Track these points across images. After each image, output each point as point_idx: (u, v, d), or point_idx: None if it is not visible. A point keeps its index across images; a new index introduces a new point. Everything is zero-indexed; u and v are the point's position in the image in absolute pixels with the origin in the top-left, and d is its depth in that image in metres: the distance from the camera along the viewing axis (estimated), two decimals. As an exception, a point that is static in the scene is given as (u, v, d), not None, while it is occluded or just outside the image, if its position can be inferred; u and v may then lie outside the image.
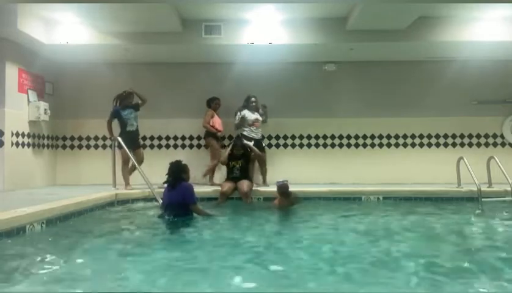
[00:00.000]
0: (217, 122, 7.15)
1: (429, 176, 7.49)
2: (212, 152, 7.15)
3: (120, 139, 6.13)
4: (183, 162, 4.79)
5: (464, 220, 4.76)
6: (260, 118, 7.07)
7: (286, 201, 5.31)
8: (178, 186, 4.58)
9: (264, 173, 7.01)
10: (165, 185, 4.71)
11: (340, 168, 7.80)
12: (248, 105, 7.01)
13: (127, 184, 6.23)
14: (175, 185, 4.59)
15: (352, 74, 7.95)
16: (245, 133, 6.89)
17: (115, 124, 6.45)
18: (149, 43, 6.85)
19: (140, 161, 6.32)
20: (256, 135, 6.95)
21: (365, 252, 3.17)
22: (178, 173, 4.65)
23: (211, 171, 7.08)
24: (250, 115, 6.95)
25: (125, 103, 6.41)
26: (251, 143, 6.67)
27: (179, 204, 4.52)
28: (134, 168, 6.23)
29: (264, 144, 7.23)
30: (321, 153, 7.95)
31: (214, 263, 2.88)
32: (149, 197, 5.77)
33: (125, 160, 6.22)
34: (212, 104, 7.25)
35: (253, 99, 7.03)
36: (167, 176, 4.67)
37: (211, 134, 7.11)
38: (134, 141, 6.38)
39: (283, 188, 5.33)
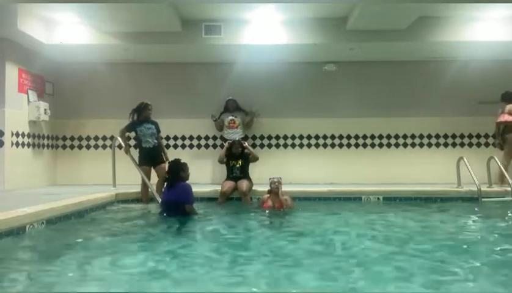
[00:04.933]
0: None
1: (429, 176, 7.49)
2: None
3: (120, 140, 6.11)
4: (182, 161, 4.86)
5: (464, 220, 4.76)
6: (237, 119, 7.17)
7: (277, 200, 5.05)
8: (176, 185, 4.65)
9: None
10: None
11: (340, 168, 7.80)
12: (227, 108, 7.25)
13: (145, 200, 5.79)
14: (173, 184, 4.66)
15: (352, 74, 7.95)
16: (224, 135, 7.17)
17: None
18: (149, 43, 6.85)
19: (161, 176, 5.77)
20: (233, 137, 6.96)
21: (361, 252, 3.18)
22: (176, 172, 4.70)
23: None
24: (226, 117, 7.20)
25: (143, 116, 5.92)
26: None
27: (175, 203, 4.60)
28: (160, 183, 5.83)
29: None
30: (321, 153, 7.95)
31: (212, 264, 2.89)
32: (149, 197, 5.77)
33: (146, 177, 5.79)
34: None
35: (230, 101, 7.25)
36: (167, 175, 4.78)
37: None
38: (153, 158, 5.89)
39: (273, 185, 5.12)
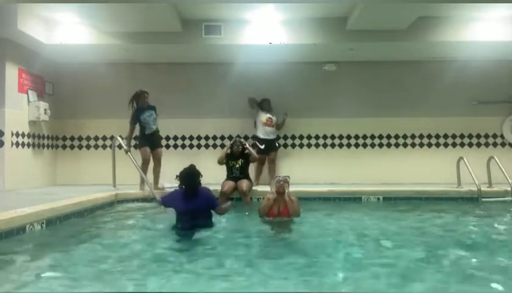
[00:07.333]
0: None
1: (429, 176, 7.48)
2: None
3: (120, 139, 6.13)
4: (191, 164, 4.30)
5: (464, 220, 4.76)
6: (273, 118, 7.32)
7: (282, 201, 4.48)
8: (198, 193, 4.15)
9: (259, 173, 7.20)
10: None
11: (340, 168, 7.80)
12: (261, 107, 7.35)
13: (142, 184, 5.99)
14: (194, 193, 4.13)
15: (352, 74, 7.95)
16: (259, 134, 7.24)
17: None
18: (149, 43, 6.85)
19: (157, 160, 6.26)
20: (271, 136, 7.23)
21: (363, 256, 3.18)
22: (196, 180, 4.15)
23: None
24: (263, 115, 7.28)
25: (141, 103, 6.20)
26: (249, 143, 6.73)
27: (202, 211, 4.12)
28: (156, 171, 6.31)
29: (276, 144, 7.41)
30: (321, 153, 7.95)
31: (219, 264, 2.88)
32: (149, 197, 5.77)
33: (145, 161, 6.05)
34: None
35: (266, 101, 7.39)
36: (180, 183, 4.15)
37: None
38: (153, 142, 6.27)
39: (280, 184, 4.50)
